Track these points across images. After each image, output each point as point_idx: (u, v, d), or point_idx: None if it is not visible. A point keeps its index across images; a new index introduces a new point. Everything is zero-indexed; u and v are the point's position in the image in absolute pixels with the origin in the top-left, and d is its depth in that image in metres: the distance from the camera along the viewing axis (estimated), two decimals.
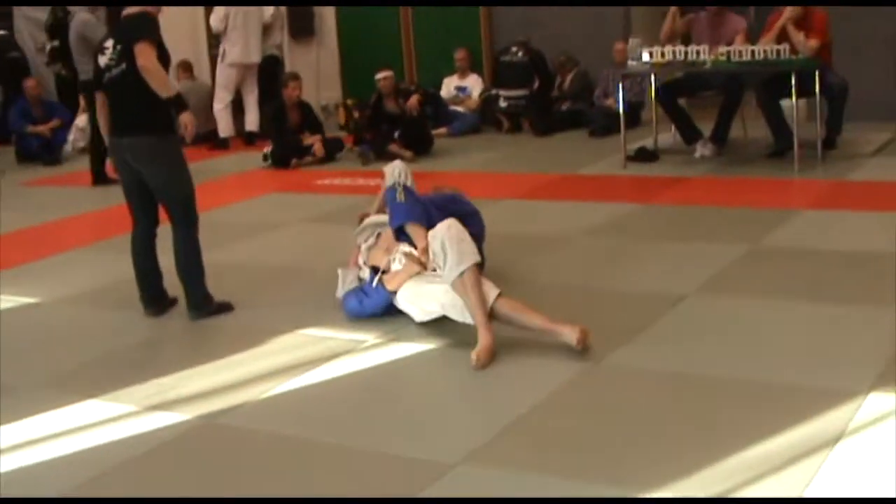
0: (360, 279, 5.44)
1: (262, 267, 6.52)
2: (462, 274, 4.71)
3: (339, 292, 5.43)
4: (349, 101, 12.27)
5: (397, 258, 5.26)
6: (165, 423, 4.17)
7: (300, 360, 4.79)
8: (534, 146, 10.68)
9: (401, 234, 5.36)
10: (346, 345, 4.93)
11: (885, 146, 8.95)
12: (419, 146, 10.28)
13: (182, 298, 5.55)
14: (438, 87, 11.93)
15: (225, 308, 5.55)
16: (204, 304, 5.49)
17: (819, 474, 3.38)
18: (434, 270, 4.98)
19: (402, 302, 5.11)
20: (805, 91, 8.20)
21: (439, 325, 4.96)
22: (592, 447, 3.75)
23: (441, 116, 11.45)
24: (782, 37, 8.38)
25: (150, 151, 5.29)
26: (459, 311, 4.77)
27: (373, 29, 12.68)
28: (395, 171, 5.64)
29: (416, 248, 5.23)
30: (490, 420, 4.00)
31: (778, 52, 8.09)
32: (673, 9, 9.09)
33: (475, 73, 12.03)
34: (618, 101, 9.38)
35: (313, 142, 10.35)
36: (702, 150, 9.04)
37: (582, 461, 3.64)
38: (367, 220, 5.67)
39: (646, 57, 8.61)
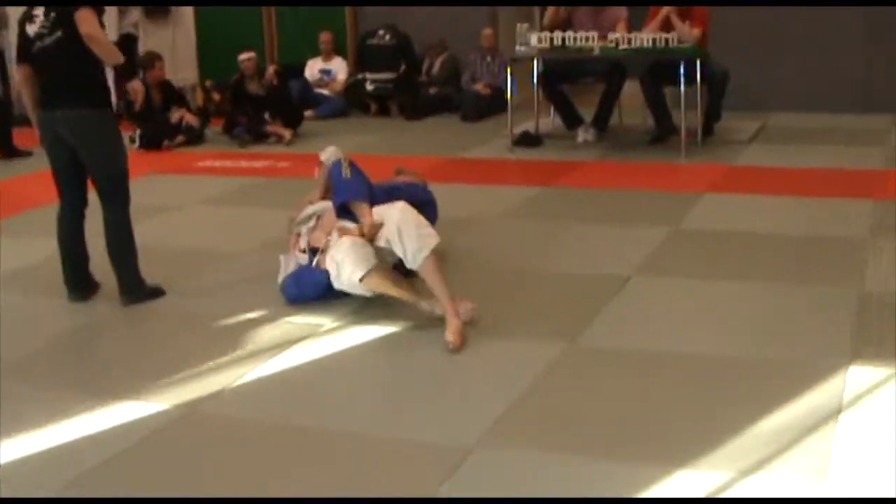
0: (299, 265, 5.26)
1: (175, 250, 6.21)
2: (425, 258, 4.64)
3: (280, 278, 5.24)
4: (207, 83, 11.89)
5: (335, 235, 5.11)
6: (145, 414, 3.89)
7: (262, 345, 4.58)
8: (407, 130, 10.63)
9: (343, 212, 5.18)
10: (304, 329, 4.76)
11: (758, 133, 9.34)
12: (294, 122, 10.09)
13: (108, 283, 5.25)
14: (302, 69, 11.69)
15: (157, 293, 5.26)
16: (136, 289, 5.19)
17: (836, 446, 3.44)
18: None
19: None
20: (686, 79, 8.43)
21: (394, 308, 4.82)
22: (606, 426, 3.71)
23: (307, 99, 11.24)
24: (665, 26, 8.59)
25: (86, 124, 4.96)
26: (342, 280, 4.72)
27: (232, 9, 12.30)
28: (331, 150, 5.50)
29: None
30: (490, 401, 3.89)
31: (666, 40, 8.29)
32: None
33: (339, 56, 11.85)
34: (503, 86, 9.42)
35: (181, 115, 9.99)
36: (584, 135, 9.20)
37: (603, 440, 3.59)
38: (310, 208, 5.46)
39: (534, 42, 8.66)
